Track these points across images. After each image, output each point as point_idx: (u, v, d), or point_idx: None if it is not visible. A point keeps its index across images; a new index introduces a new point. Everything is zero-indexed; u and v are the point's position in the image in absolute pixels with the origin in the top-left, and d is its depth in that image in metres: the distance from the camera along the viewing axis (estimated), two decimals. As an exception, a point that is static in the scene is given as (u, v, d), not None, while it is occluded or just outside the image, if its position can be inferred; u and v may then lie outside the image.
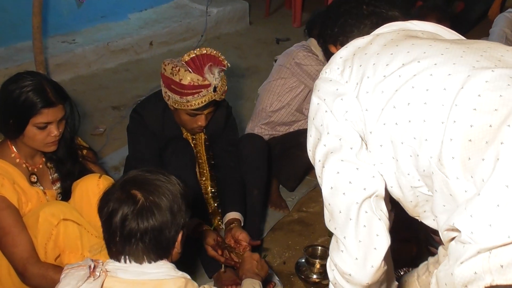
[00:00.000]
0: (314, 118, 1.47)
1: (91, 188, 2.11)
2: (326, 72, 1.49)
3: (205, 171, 2.63)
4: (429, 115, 1.28)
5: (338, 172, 1.43)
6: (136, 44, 4.83)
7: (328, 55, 1.66)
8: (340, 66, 1.47)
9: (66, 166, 2.21)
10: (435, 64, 1.32)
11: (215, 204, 2.66)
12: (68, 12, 4.69)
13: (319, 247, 2.61)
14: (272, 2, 6.09)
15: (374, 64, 1.40)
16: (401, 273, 2.19)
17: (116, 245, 1.53)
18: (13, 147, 2.11)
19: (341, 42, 1.61)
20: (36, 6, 3.59)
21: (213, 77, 2.28)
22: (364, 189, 1.41)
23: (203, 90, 2.28)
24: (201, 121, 2.39)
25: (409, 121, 1.32)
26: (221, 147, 2.64)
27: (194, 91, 2.28)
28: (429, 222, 1.45)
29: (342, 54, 1.49)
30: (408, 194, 1.41)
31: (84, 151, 2.31)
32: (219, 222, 2.63)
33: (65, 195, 2.20)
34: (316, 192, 3.28)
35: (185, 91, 2.28)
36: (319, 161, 1.46)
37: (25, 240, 1.99)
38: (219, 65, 2.31)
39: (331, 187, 1.44)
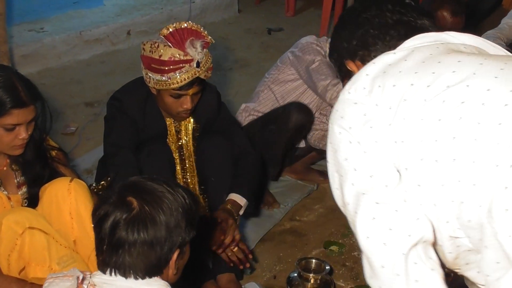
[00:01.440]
0: (337, 151, 1.36)
1: (61, 193, 2.09)
2: (349, 93, 1.37)
3: (191, 165, 2.63)
4: (480, 155, 1.19)
5: (374, 218, 1.30)
6: (112, 34, 4.83)
7: (343, 74, 1.59)
8: (367, 85, 1.35)
9: (34, 169, 2.19)
10: (488, 90, 1.23)
11: (204, 201, 2.66)
12: (36, -4, 4.69)
13: (313, 260, 2.62)
14: (263, -12, 6.14)
15: (412, 84, 1.30)
16: None
17: (103, 254, 1.53)
18: (-26, 147, 2.09)
19: (362, 57, 1.52)
20: (-1, -10, 3.58)
21: (196, 51, 2.29)
22: (409, 235, 1.27)
23: (185, 65, 2.29)
24: (187, 103, 2.39)
25: (454, 159, 1.23)
26: (220, 127, 2.65)
27: (175, 66, 2.29)
28: (472, 274, 1.35)
29: (368, 71, 1.37)
30: (447, 244, 1.32)
31: (54, 152, 2.30)
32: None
33: (32, 201, 2.18)
34: (310, 199, 3.30)
35: (166, 67, 2.29)
36: (349, 204, 1.34)
37: (-16, 251, 1.98)
38: (202, 39, 2.32)
39: (368, 237, 1.31)
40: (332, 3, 5.22)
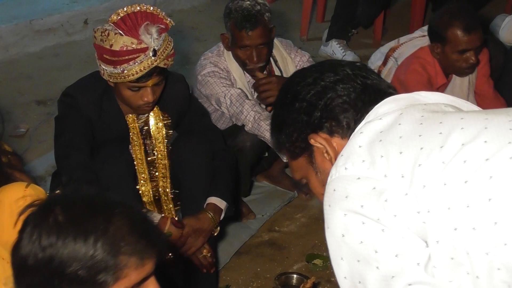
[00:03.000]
0: (345, 235, 1.32)
1: (14, 199, 2.01)
2: (346, 169, 1.35)
3: (163, 167, 2.63)
4: None
5: None
6: (67, 23, 4.82)
7: (300, 151, 1.53)
8: (365, 157, 1.34)
9: None
10: (510, 142, 1.26)
11: (176, 208, 2.68)
12: (-20, -20, 4.67)
13: (294, 275, 2.65)
14: (237, -28, 6.17)
15: (422, 148, 1.31)
16: None
17: None
18: None
19: (330, 128, 1.48)
20: None
21: (151, 38, 2.28)
22: None
23: (140, 54, 2.28)
24: (147, 95, 2.38)
25: (495, 223, 1.22)
26: (192, 123, 2.69)
27: (129, 57, 2.27)
28: None
29: (360, 142, 1.37)
30: None
31: (7, 158, 2.28)
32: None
33: None
34: (291, 207, 3.33)
35: (118, 58, 2.28)
36: None
37: None
38: (158, 23, 2.32)
39: None
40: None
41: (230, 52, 3.08)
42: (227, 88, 2.99)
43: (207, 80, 3.02)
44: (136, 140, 2.57)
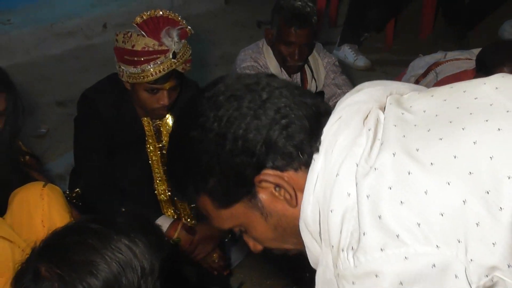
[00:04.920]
0: None
1: (32, 199, 2.06)
2: (382, 250, 1.04)
3: None
4: None
5: None
6: (87, 26, 4.84)
7: (232, 198, 1.19)
8: (398, 230, 1.04)
9: (2, 174, 2.18)
10: None
11: (191, 205, 2.68)
12: (2, -15, 4.69)
13: (307, 274, 2.63)
14: (252, -23, 6.16)
15: (464, 201, 1.05)
16: None
17: None
18: None
19: (281, 162, 1.15)
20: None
21: (172, 41, 2.30)
22: None
23: (160, 56, 2.30)
24: (163, 98, 2.39)
25: None
26: None
27: (149, 57, 2.29)
28: None
29: (378, 212, 1.06)
30: None
31: (26, 158, 2.29)
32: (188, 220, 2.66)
33: (0, 208, 2.16)
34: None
35: (139, 58, 2.30)
36: None
37: None
38: (179, 28, 2.34)
39: None
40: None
41: (269, 49, 3.11)
42: None
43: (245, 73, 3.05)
44: (151, 142, 2.58)
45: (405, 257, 1.03)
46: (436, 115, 1.13)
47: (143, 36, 2.30)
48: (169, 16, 2.35)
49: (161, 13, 2.35)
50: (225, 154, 1.15)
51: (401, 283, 1.04)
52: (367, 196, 1.06)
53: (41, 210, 2.04)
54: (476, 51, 3.11)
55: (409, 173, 1.06)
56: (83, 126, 2.53)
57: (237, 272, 2.84)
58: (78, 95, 2.58)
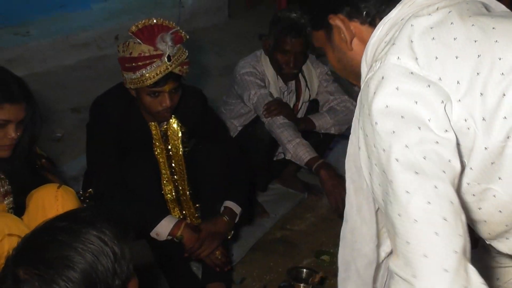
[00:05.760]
0: (394, 143, 1.23)
1: (47, 199, 2.08)
2: (399, 58, 1.26)
3: (181, 170, 2.69)
4: None
5: (429, 203, 1.20)
6: (100, 38, 4.86)
7: (319, 27, 1.52)
8: (419, 55, 1.26)
9: (21, 177, 2.19)
10: None
11: (196, 205, 2.73)
12: (21, -1, 4.70)
13: (304, 270, 2.71)
14: (254, -8, 6.18)
15: (479, 56, 1.24)
16: None
17: None
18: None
19: (350, 12, 1.42)
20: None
21: (166, 45, 2.37)
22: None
23: (156, 60, 2.36)
24: (165, 101, 2.45)
25: None
26: (208, 131, 2.75)
27: (146, 62, 2.36)
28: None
29: (412, 37, 1.27)
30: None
31: (43, 161, 2.32)
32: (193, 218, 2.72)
33: (19, 210, 2.16)
34: (301, 208, 3.37)
35: (137, 64, 2.37)
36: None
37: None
38: (172, 33, 2.40)
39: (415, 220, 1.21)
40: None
41: (267, 59, 3.18)
42: (259, 87, 3.08)
43: (244, 78, 3.11)
44: (158, 145, 2.63)
45: (411, 72, 1.24)
46: (493, 28, 1.30)
47: (139, 43, 2.37)
48: (164, 24, 2.41)
49: (155, 21, 2.41)
50: None
51: (397, 89, 1.24)
52: (411, 26, 1.29)
53: (55, 211, 2.03)
54: None
55: (451, 24, 1.28)
56: (95, 131, 2.59)
57: (238, 268, 2.86)
58: (91, 102, 2.64)
